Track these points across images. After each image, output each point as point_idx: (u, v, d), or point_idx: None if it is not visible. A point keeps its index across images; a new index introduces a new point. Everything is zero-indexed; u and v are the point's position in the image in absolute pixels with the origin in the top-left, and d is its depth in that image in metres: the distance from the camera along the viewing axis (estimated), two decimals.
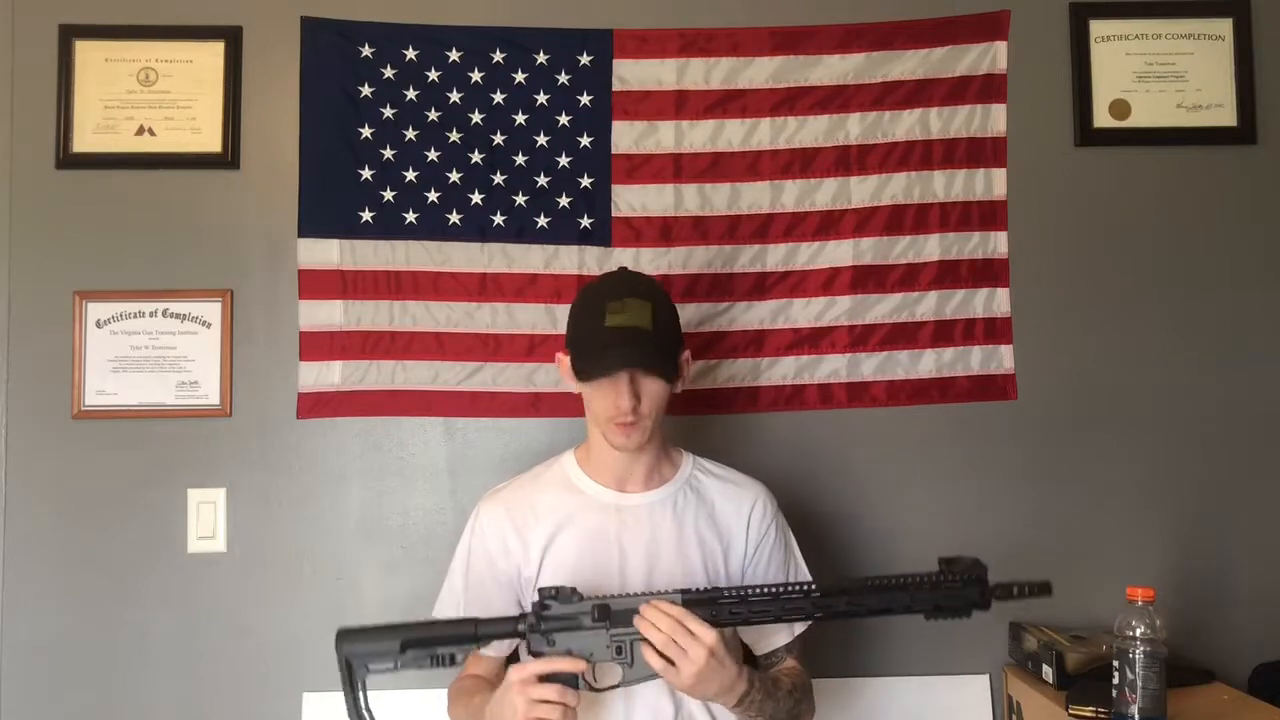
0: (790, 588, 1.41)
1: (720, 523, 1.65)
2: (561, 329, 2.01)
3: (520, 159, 2.06)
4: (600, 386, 1.55)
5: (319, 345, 2.03)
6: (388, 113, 2.05)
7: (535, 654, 1.41)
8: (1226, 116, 2.11)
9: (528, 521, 1.62)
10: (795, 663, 1.67)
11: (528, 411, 2.04)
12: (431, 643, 1.40)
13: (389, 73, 2.05)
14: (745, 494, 1.68)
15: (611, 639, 1.39)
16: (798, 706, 1.58)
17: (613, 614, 1.39)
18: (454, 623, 1.44)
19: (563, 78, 2.07)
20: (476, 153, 2.05)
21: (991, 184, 2.09)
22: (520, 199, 2.06)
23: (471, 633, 1.41)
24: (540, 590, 1.41)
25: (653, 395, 1.55)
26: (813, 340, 2.07)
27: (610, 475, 1.63)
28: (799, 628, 1.66)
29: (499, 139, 2.06)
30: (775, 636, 1.65)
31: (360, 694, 1.40)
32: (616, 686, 1.41)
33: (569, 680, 1.37)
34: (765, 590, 1.41)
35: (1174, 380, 2.09)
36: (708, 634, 1.35)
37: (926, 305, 2.08)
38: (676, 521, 1.62)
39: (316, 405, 2.02)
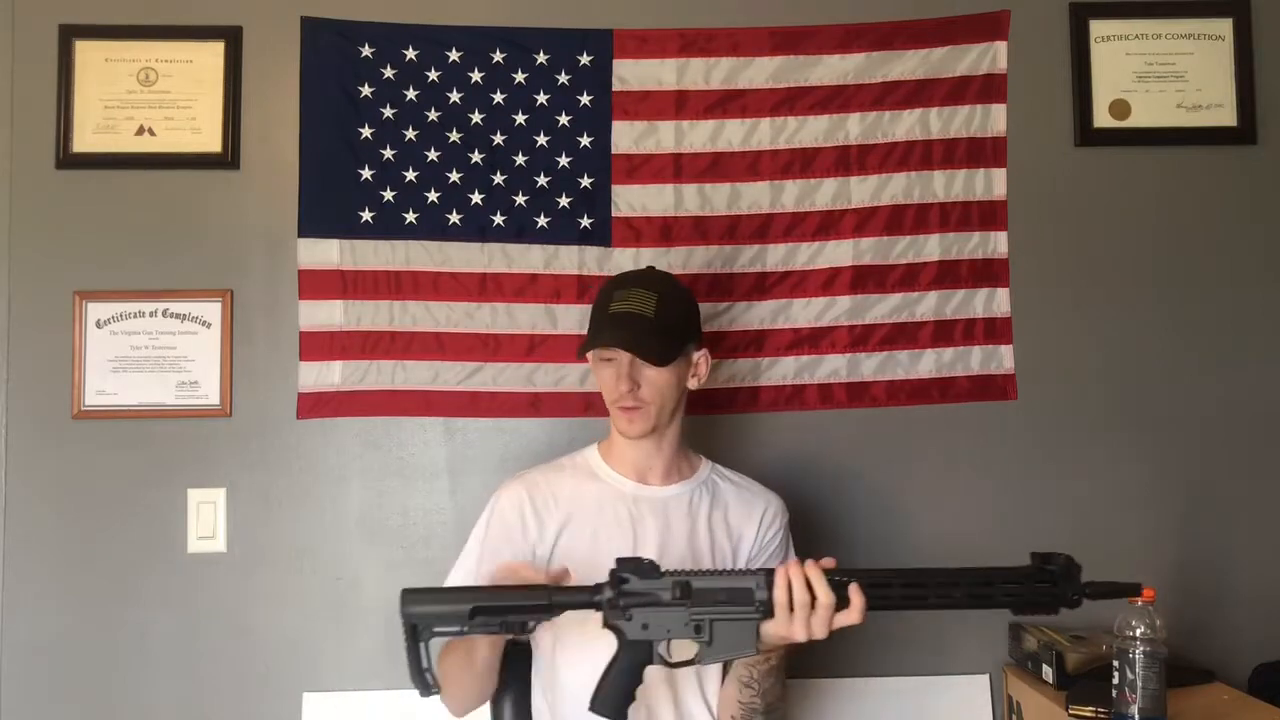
0: (885, 576, 1.41)
1: (732, 523, 1.67)
2: (561, 329, 2.04)
3: (520, 159, 2.06)
4: (602, 370, 1.63)
5: (319, 345, 2.03)
6: (388, 113, 2.05)
7: (611, 626, 1.39)
8: (1226, 116, 2.11)
9: (547, 503, 1.65)
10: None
11: (527, 411, 2.04)
12: (503, 611, 1.37)
13: (389, 73, 2.05)
14: (759, 500, 1.71)
15: (691, 617, 1.37)
16: (782, 697, 1.59)
17: (694, 592, 1.37)
18: (527, 589, 1.39)
19: (563, 78, 2.07)
20: (476, 153, 2.05)
21: (991, 184, 2.09)
22: (520, 199, 2.06)
23: (545, 601, 1.37)
24: (618, 561, 1.39)
25: (652, 383, 1.59)
26: (813, 340, 2.07)
27: (630, 467, 1.67)
28: None
29: (499, 139, 2.06)
30: None
31: (423, 656, 1.38)
32: (691, 663, 1.41)
33: (644, 654, 1.38)
34: (868, 578, 1.40)
35: (1174, 380, 2.09)
36: (828, 595, 1.37)
37: (926, 305, 2.08)
38: (690, 517, 1.65)
39: (316, 405, 2.02)
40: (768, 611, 1.38)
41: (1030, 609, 1.42)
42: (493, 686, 1.58)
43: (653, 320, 1.58)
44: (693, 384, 1.68)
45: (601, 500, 1.65)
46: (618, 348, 1.58)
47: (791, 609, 1.36)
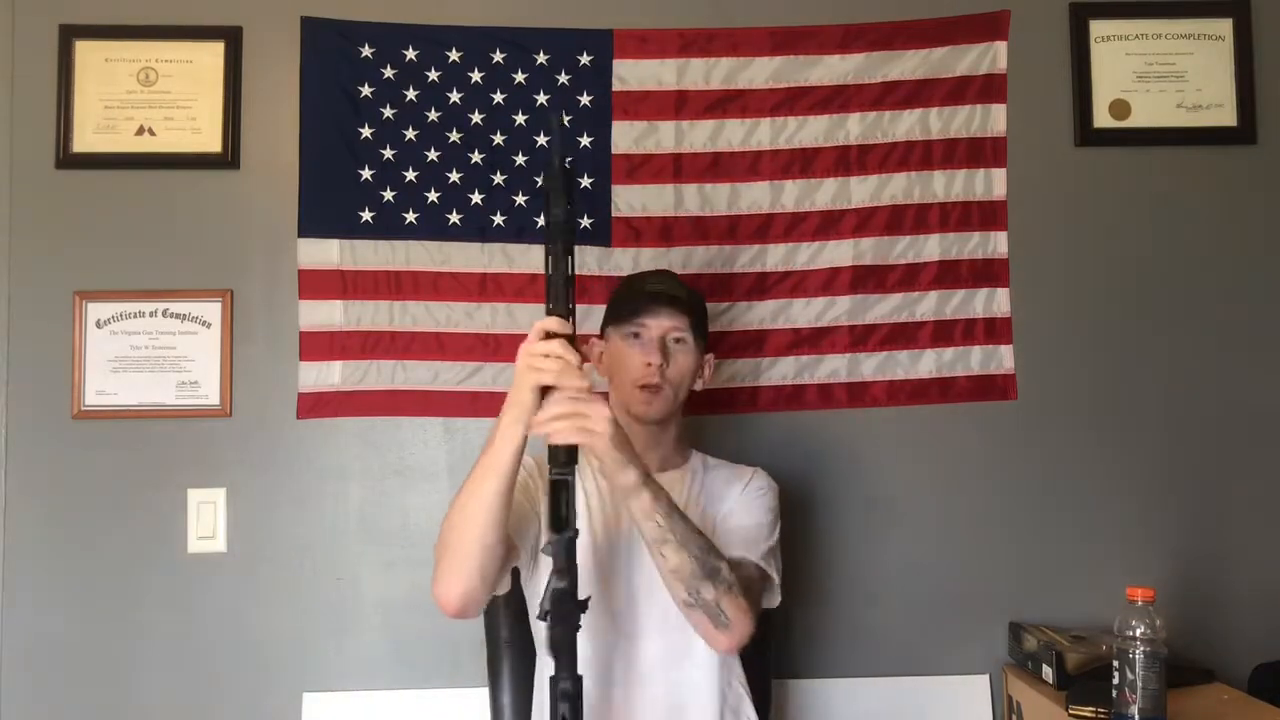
0: None
1: (720, 494, 1.68)
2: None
3: (520, 159, 2.06)
4: (627, 347, 1.64)
5: (319, 345, 2.03)
6: (388, 113, 2.05)
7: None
8: (1226, 116, 2.11)
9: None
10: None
11: None
12: None
13: (389, 73, 2.05)
14: (745, 471, 1.73)
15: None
16: (713, 560, 1.46)
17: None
18: None
19: (563, 78, 2.07)
20: (476, 153, 2.05)
21: (991, 184, 2.09)
22: (520, 199, 2.06)
23: None
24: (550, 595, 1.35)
25: (679, 364, 1.63)
26: (813, 340, 2.07)
27: None
28: (758, 552, 1.60)
29: (499, 139, 2.06)
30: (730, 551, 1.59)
31: None
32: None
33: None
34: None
35: (1173, 380, 2.09)
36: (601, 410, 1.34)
37: (926, 305, 2.08)
38: (685, 496, 1.66)
39: (316, 405, 2.02)
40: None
41: None
42: (495, 569, 1.44)
43: (687, 301, 1.65)
44: (698, 385, 1.70)
45: (600, 483, 1.65)
46: (668, 308, 1.62)
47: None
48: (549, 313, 1.36)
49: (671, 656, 1.58)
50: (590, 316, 2.03)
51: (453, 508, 1.44)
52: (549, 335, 1.34)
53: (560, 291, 1.36)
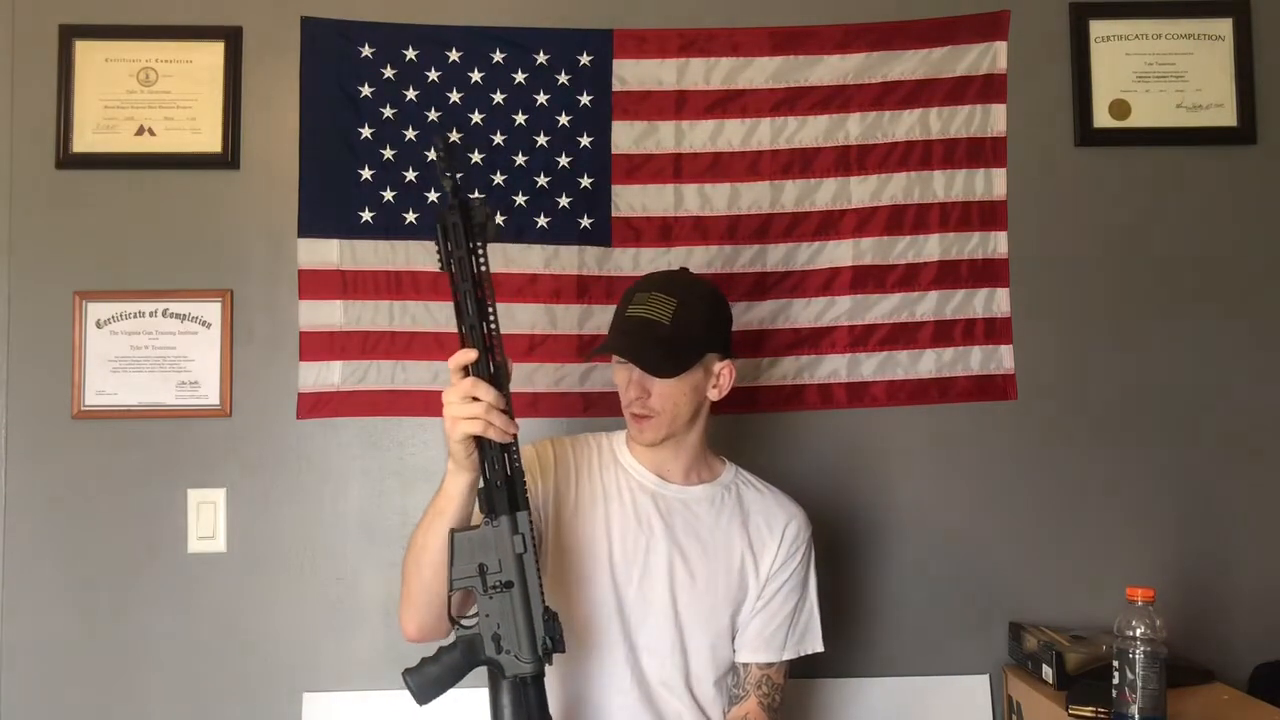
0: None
1: (752, 532, 1.64)
2: (561, 329, 2.04)
3: (520, 159, 2.06)
4: (618, 372, 1.60)
5: (319, 345, 2.03)
6: (388, 113, 2.05)
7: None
8: (1226, 116, 2.11)
9: (582, 471, 1.63)
10: (756, 705, 1.61)
11: (526, 412, 2.03)
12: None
13: (389, 73, 2.05)
14: (782, 512, 1.66)
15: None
16: None
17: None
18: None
19: (563, 78, 2.07)
20: (476, 153, 2.06)
21: (991, 184, 2.09)
22: (520, 199, 2.06)
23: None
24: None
25: (662, 394, 1.56)
26: (813, 340, 2.07)
27: (649, 461, 1.64)
28: (789, 653, 1.63)
29: (499, 139, 2.06)
30: (757, 651, 1.62)
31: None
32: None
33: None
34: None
35: (1174, 380, 2.09)
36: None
37: (926, 305, 2.08)
38: (711, 519, 1.63)
39: (316, 405, 2.02)
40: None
41: None
42: (457, 605, 1.41)
43: (667, 328, 1.52)
44: (713, 395, 1.62)
45: (621, 488, 1.63)
46: (621, 356, 1.56)
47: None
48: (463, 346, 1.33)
49: (677, 675, 1.58)
50: (592, 317, 2.04)
51: (410, 545, 1.46)
52: (467, 370, 1.32)
53: (477, 336, 1.33)
